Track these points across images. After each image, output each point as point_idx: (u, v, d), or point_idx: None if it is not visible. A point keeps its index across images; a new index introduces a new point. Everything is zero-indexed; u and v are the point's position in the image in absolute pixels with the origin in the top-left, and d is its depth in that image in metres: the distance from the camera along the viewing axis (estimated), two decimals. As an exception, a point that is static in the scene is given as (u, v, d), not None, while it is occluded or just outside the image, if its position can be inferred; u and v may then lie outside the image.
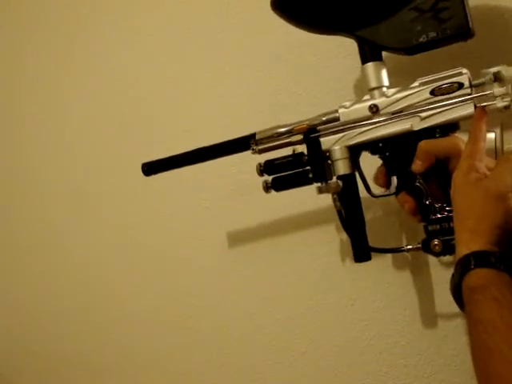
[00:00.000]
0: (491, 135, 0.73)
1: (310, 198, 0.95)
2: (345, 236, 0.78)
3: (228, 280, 1.06)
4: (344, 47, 0.91)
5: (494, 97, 0.66)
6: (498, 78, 0.66)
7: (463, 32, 0.69)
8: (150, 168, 0.89)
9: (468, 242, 0.60)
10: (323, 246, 0.96)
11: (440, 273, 0.88)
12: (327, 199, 0.79)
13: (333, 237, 0.95)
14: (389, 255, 0.91)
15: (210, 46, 1.06)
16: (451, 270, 0.62)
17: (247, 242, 1.04)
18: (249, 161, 0.84)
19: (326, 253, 0.97)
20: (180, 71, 1.09)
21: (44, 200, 1.27)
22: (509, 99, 0.65)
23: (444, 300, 0.88)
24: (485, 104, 0.67)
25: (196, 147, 0.87)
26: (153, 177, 0.94)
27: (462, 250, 0.60)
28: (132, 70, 1.15)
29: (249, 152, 0.81)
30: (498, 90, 0.66)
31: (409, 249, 0.75)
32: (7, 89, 1.32)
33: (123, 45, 1.16)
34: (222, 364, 1.07)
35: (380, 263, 0.92)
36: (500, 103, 0.66)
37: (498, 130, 0.75)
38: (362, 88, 0.76)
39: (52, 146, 1.26)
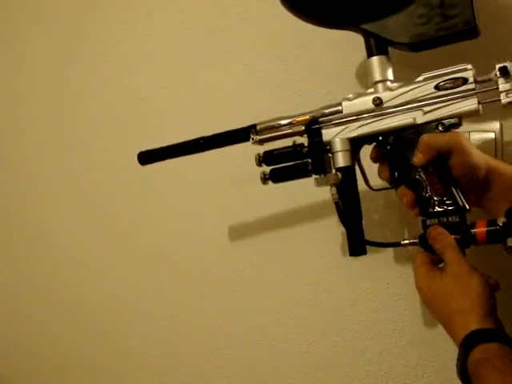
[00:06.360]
0: (491, 135, 0.73)
1: (309, 203, 0.97)
2: (345, 237, 0.77)
3: (228, 281, 1.06)
4: (343, 48, 0.92)
5: (499, 92, 0.65)
6: (503, 74, 0.65)
7: (469, 29, 0.68)
8: (147, 156, 0.87)
9: (462, 323, 0.61)
10: (323, 247, 0.96)
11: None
12: (328, 204, 0.78)
13: (333, 238, 0.95)
14: (390, 255, 0.91)
15: (210, 46, 1.06)
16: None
17: (247, 243, 1.04)
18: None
19: (326, 253, 0.96)
20: (179, 71, 1.10)
21: (43, 200, 1.28)
22: None
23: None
24: (489, 100, 0.66)
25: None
26: (152, 173, 0.95)
27: (460, 333, 0.60)
28: (131, 70, 1.16)
29: (249, 145, 0.80)
30: (503, 85, 0.65)
31: (406, 243, 0.72)
32: (6, 87, 1.33)
33: (123, 44, 1.17)
34: (222, 364, 1.07)
35: (380, 263, 0.92)
36: (505, 99, 0.65)
37: (498, 130, 0.75)
38: (361, 89, 0.77)
39: (51, 145, 1.27)
